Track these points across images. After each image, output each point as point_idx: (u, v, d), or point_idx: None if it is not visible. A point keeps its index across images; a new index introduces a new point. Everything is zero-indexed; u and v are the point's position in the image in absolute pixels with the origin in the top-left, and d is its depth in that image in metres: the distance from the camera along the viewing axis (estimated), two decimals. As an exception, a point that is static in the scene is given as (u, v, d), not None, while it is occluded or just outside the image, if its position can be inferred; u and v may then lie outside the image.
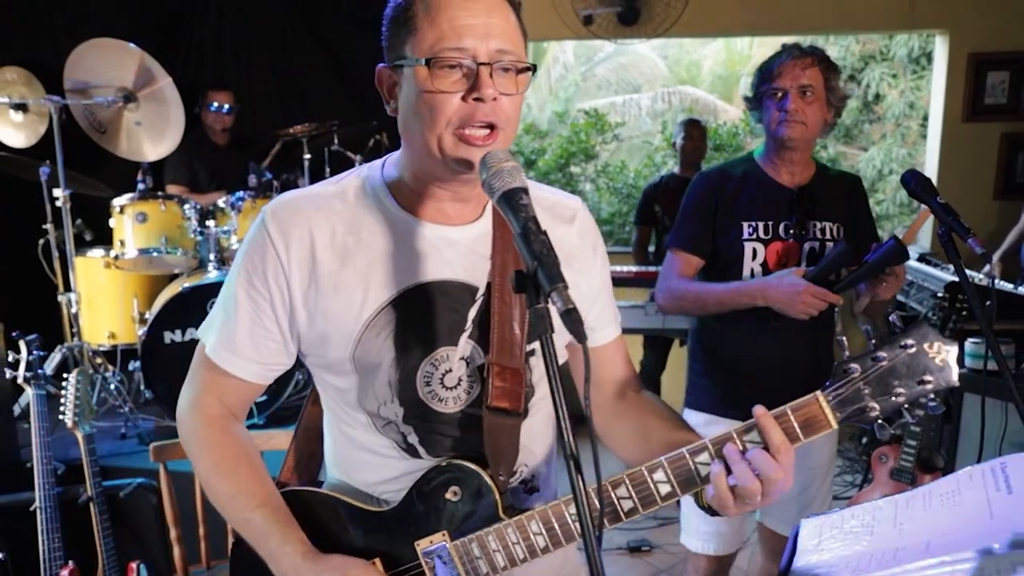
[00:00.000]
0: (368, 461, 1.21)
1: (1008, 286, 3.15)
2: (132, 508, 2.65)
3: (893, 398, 1.02)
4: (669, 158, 6.86)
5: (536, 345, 1.17)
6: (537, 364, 1.20)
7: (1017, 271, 3.71)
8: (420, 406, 1.16)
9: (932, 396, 1.02)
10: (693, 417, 2.18)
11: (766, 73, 2.04)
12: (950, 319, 2.50)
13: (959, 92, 4.41)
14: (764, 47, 8.82)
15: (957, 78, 4.40)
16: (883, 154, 8.00)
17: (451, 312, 1.15)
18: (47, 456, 2.30)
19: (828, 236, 2.11)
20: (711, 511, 1.11)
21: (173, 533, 2.08)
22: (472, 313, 1.15)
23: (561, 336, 1.10)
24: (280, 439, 2.00)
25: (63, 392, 2.35)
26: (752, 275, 2.06)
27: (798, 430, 1.04)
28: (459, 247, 1.15)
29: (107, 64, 3.44)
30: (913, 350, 1.02)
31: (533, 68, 1.10)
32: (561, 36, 4.76)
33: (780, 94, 2.01)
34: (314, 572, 1.10)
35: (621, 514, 1.09)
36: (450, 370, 1.16)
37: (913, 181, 1.97)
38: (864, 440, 4.22)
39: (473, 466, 1.14)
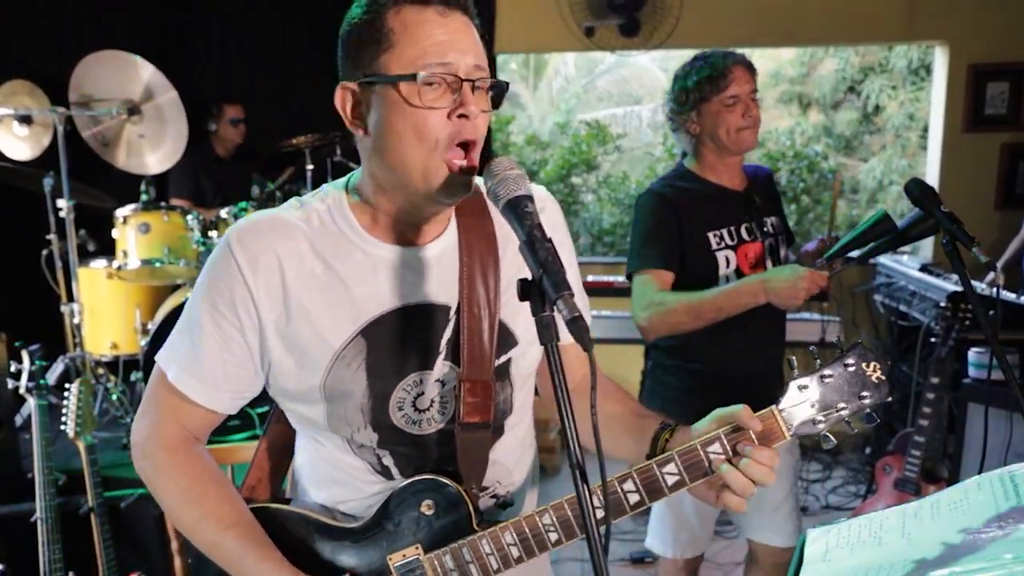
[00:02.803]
0: (341, 480, 1.19)
1: (1011, 296, 3.15)
2: (133, 519, 2.64)
3: (836, 412, 1.11)
4: (670, 169, 6.87)
5: (509, 357, 1.18)
6: (516, 382, 1.20)
7: (1019, 281, 3.71)
8: (394, 431, 1.15)
9: (869, 411, 1.12)
10: None
11: (714, 83, 2.02)
12: (953, 329, 2.50)
13: (959, 103, 4.42)
14: (764, 58, 8.85)
15: (957, 89, 4.41)
16: (883, 165, 8.01)
17: (424, 335, 1.13)
18: (48, 466, 2.29)
19: (777, 230, 2.17)
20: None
21: (174, 544, 2.07)
22: (447, 334, 1.14)
23: (533, 340, 1.15)
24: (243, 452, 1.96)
25: (65, 402, 2.34)
26: (727, 282, 2.06)
27: (755, 442, 1.10)
28: (427, 267, 1.14)
29: (113, 76, 3.46)
30: (853, 368, 1.12)
31: (506, 85, 1.11)
32: (563, 48, 4.79)
33: (735, 101, 2.01)
34: None
35: (627, 507, 1.12)
36: (422, 393, 1.15)
37: (916, 190, 1.97)
38: (868, 451, 4.21)
39: (446, 480, 1.15)
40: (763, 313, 2.07)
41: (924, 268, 3.80)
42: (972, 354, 2.84)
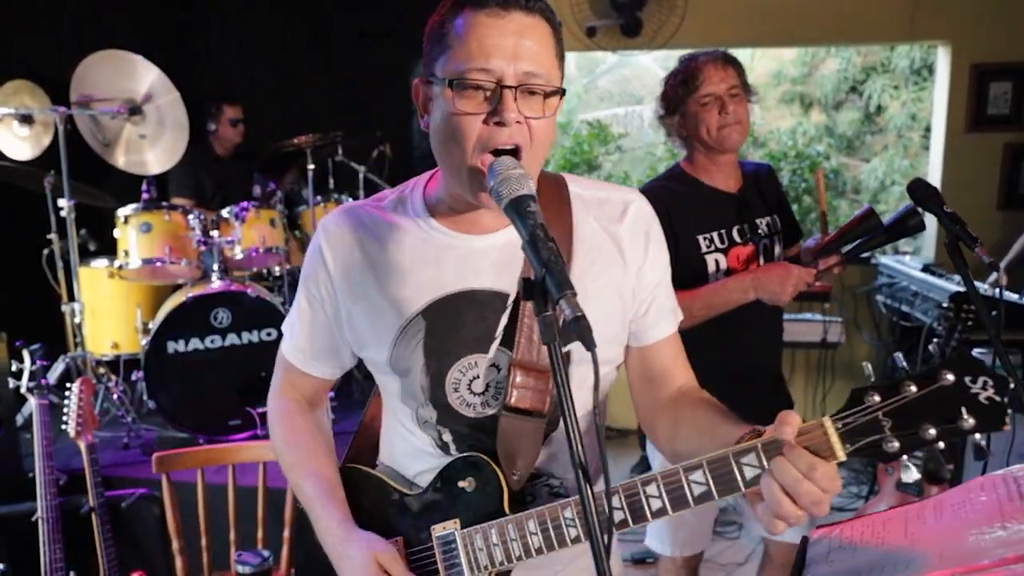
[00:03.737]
0: (411, 452, 1.28)
1: (1014, 296, 3.14)
2: (134, 519, 2.64)
3: (921, 435, 0.88)
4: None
5: (569, 349, 1.16)
6: (575, 373, 1.17)
7: (1022, 282, 3.70)
8: (450, 410, 1.22)
9: (977, 441, 0.92)
10: None
11: (687, 84, 2.02)
12: (955, 330, 2.50)
13: (961, 103, 4.41)
14: (766, 58, 8.84)
15: (959, 89, 4.40)
16: (885, 165, 7.99)
17: (481, 320, 1.18)
18: (49, 466, 2.29)
19: (772, 230, 2.16)
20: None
21: (175, 544, 2.07)
22: (504, 319, 1.19)
23: (610, 341, 1.22)
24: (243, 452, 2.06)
25: (66, 402, 2.34)
26: None
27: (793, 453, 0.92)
28: (489, 255, 1.18)
29: (114, 76, 3.45)
30: (950, 382, 0.88)
31: (562, 92, 1.10)
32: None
33: (710, 100, 2.01)
34: (345, 540, 1.20)
35: (649, 514, 1.04)
36: (477, 376, 1.20)
37: (920, 190, 1.97)
38: (869, 451, 4.20)
39: (487, 459, 1.19)
40: (761, 314, 2.07)
41: (926, 268, 3.80)
42: (975, 355, 2.83)
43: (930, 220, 1.95)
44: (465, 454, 1.21)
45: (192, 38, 4.47)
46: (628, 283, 1.23)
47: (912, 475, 0.98)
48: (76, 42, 3.99)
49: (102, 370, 3.53)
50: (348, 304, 1.22)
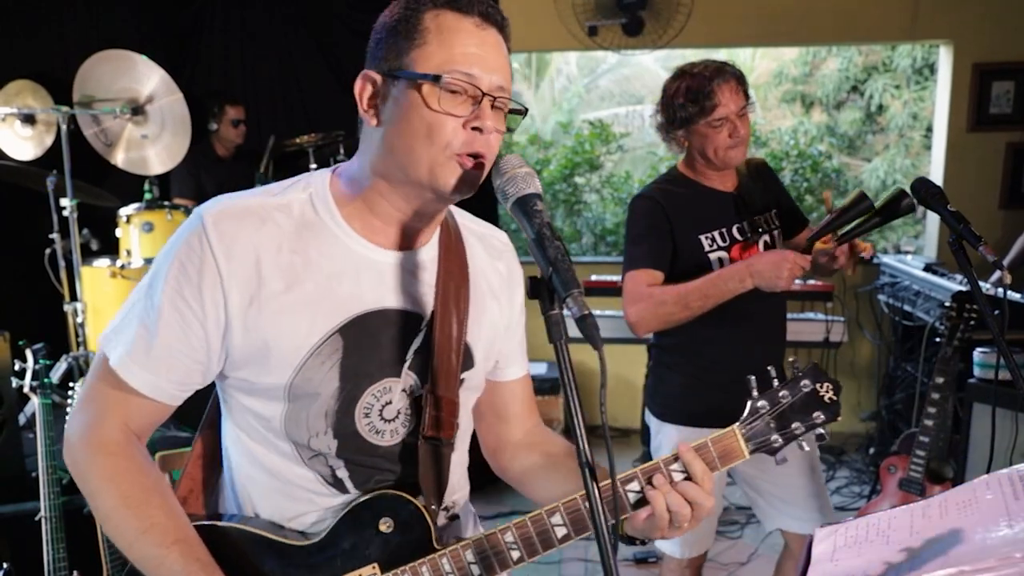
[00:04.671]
0: (286, 493, 1.13)
1: (1017, 295, 3.14)
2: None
3: (792, 431, 1.18)
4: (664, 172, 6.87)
5: (463, 377, 1.17)
6: (464, 400, 1.19)
7: (1024, 281, 3.69)
8: (356, 439, 1.11)
9: (821, 431, 1.19)
10: (676, 433, 2.18)
11: (699, 104, 2.00)
12: (958, 329, 2.50)
13: (964, 102, 4.40)
14: (767, 58, 8.84)
15: (962, 88, 4.39)
16: (886, 165, 7.98)
17: (394, 342, 1.11)
18: (52, 465, 2.29)
19: (772, 225, 2.18)
20: (628, 539, 1.17)
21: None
22: (416, 343, 1.13)
23: (488, 369, 1.24)
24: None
25: (68, 402, 2.34)
26: None
27: (716, 460, 1.14)
28: (406, 274, 1.12)
29: (117, 76, 3.45)
30: (808, 389, 1.18)
31: (525, 111, 1.11)
32: (565, 47, 4.77)
33: (721, 124, 2.01)
34: None
35: (555, 540, 1.12)
36: (390, 402, 1.12)
37: (923, 189, 1.97)
38: (871, 451, 4.20)
39: (408, 496, 1.12)
40: (764, 310, 2.07)
41: (928, 267, 3.79)
42: (977, 354, 2.83)
43: (932, 219, 1.95)
44: (376, 493, 1.11)
45: (193, 38, 4.46)
46: (504, 318, 1.25)
47: (808, 445, 1.21)
48: (79, 42, 3.99)
49: (104, 370, 3.52)
50: (243, 320, 1.04)
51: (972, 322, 2.48)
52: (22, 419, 3.20)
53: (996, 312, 1.88)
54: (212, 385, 1.16)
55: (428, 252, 1.15)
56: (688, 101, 2.01)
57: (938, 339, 2.78)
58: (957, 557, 1.04)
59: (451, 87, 1.01)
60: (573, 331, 0.90)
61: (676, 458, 1.13)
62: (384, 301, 1.10)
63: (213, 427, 1.23)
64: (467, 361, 1.18)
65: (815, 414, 1.18)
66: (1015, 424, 2.55)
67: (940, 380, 2.48)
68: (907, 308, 3.80)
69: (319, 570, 1.10)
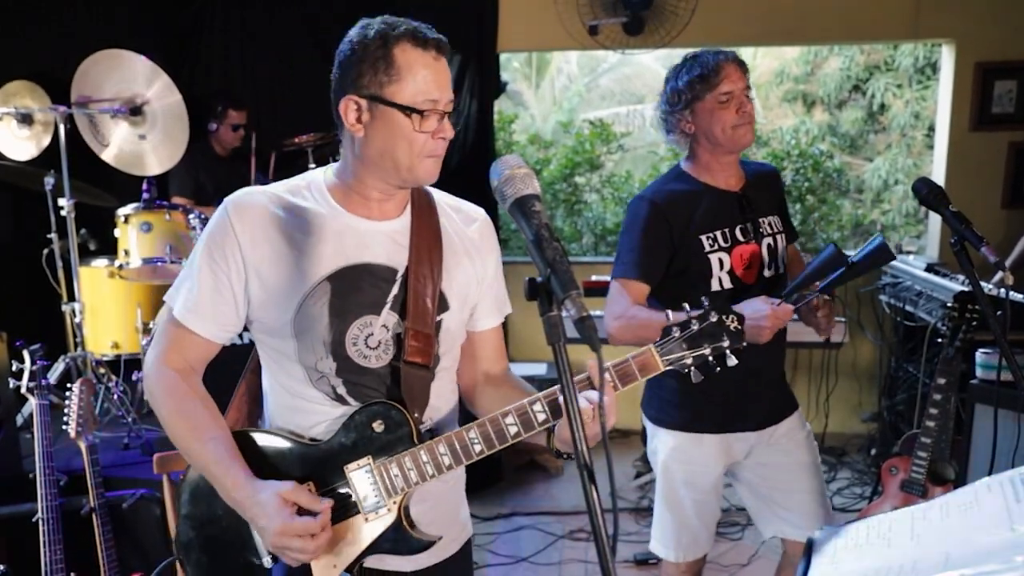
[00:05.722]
0: (304, 408, 1.44)
1: (1019, 296, 3.12)
2: (135, 519, 2.63)
3: (701, 351, 1.40)
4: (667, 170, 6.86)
5: (441, 318, 1.46)
6: (445, 337, 1.47)
7: (1027, 281, 3.68)
8: (349, 362, 1.41)
9: (727, 351, 1.41)
10: (671, 439, 2.17)
11: (705, 80, 2.01)
12: (960, 329, 2.48)
13: (966, 101, 4.39)
14: (768, 57, 8.83)
15: (964, 87, 4.38)
16: (888, 164, 7.98)
17: (375, 288, 1.41)
18: (50, 466, 2.29)
19: (775, 229, 2.15)
20: (559, 454, 1.43)
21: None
22: (394, 290, 1.42)
23: (463, 325, 1.53)
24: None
25: (66, 402, 2.33)
26: (720, 284, 2.05)
27: (636, 371, 1.39)
28: (383, 237, 1.43)
29: (116, 76, 3.44)
30: (715, 319, 1.41)
31: (457, 116, 1.33)
32: (566, 46, 4.76)
33: (728, 98, 2.00)
34: (253, 492, 1.32)
35: (508, 436, 1.37)
36: (371, 334, 1.41)
37: (925, 189, 1.96)
38: (873, 452, 4.19)
39: (394, 404, 1.40)
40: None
41: (930, 268, 3.78)
42: (979, 355, 2.82)
43: (935, 219, 1.94)
44: (374, 401, 1.40)
45: (193, 38, 4.46)
46: (475, 277, 1.52)
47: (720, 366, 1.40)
48: (79, 42, 3.98)
49: (102, 370, 3.51)
50: (257, 272, 1.38)
51: (974, 323, 2.47)
52: (20, 420, 3.19)
53: (998, 313, 1.87)
54: (238, 360, 1.57)
55: (402, 221, 1.46)
56: (695, 78, 2.02)
57: (940, 340, 2.76)
58: (958, 560, 1.03)
59: (425, 113, 1.33)
60: (572, 332, 0.89)
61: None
62: (363, 257, 1.41)
63: (254, 372, 1.57)
64: (442, 305, 1.46)
65: (723, 340, 1.40)
66: (1017, 425, 2.54)
67: (942, 381, 2.47)
68: (909, 308, 3.79)
69: (327, 462, 1.40)
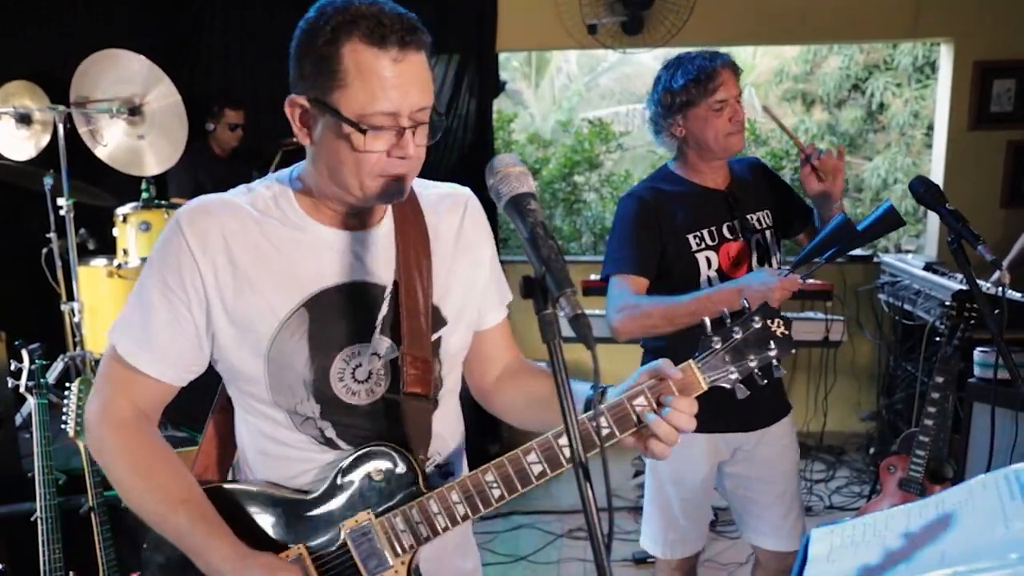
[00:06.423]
0: (286, 455, 1.24)
1: (1017, 295, 3.13)
2: (134, 518, 2.62)
3: (747, 364, 1.20)
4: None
5: (439, 335, 1.27)
6: (445, 357, 1.29)
7: (1025, 280, 3.68)
8: (335, 402, 1.21)
9: (776, 362, 1.22)
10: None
11: (701, 86, 1.98)
12: (958, 328, 2.49)
13: (965, 100, 4.39)
14: (768, 56, 8.82)
15: (963, 86, 4.38)
16: (887, 163, 7.97)
17: (362, 311, 1.21)
18: (48, 466, 2.28)
19: (764, 224, 2.14)
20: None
21: (175, 543, 2.06)
22: (384, 310, 1.22)
23: (470, 327, 1.33)
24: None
25: (65, 402, 2.33)
26: (710, 283, 2.04)
27: (676, 391, 1.17)
28: (365, 249, 1.22)
29: (115, 76, 3.44)
30: (759, 325, 1.21)
31: (443, 123, 1.20)
32: (565, 46, 4.76)
33: (723, 105, 1.99)
34: (243, 567, 1.11)
35: (532, 478, 1.17)
36: (360, 365, 1.21)
37: (922, 188, 1.97)
38: (871, 451, 4.19)
39: (395, 447, 1.22)
40: None
41: (928, 267, 3.78)
42: (977, 353, 2.82)
43: (933, 218, 1.94)
44: (370, 445, 1.21)
45: (193, 38, 4.46)
46: (472, 275, 1.33)
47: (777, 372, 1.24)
48: (78, 42, 3.98)
49: (102, 369, 3.51)
50: (221, 301, 1.16)
51: (972, 321, 2.47)
52: (18, 419, 3.19)
53: (996, 311, 1.88)
54: (217, 378, 1.29)
55: (383, 228, 1.24)
56: (690, 82, 1.98)
57: (938, 338, 2.77)
58: (952, 558, 1.04)
59: (373, 127, 1.08)
60: (569, 331, 0.90)
61: (657, 381, 1.17)
62: (344, 276, 1.20)
63: (223, 411, 1.35)
64: (437, 322, 1.27)
65: (769, 348, 1.21)
66: (1015, 423, 2.55)
67: (940, 379, 2.47)
68: (907, 307, 3.79)
69: (320, 519, 1.20)
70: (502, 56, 5.04)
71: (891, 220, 1.93)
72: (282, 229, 1.19)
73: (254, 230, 1.18)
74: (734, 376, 1.20)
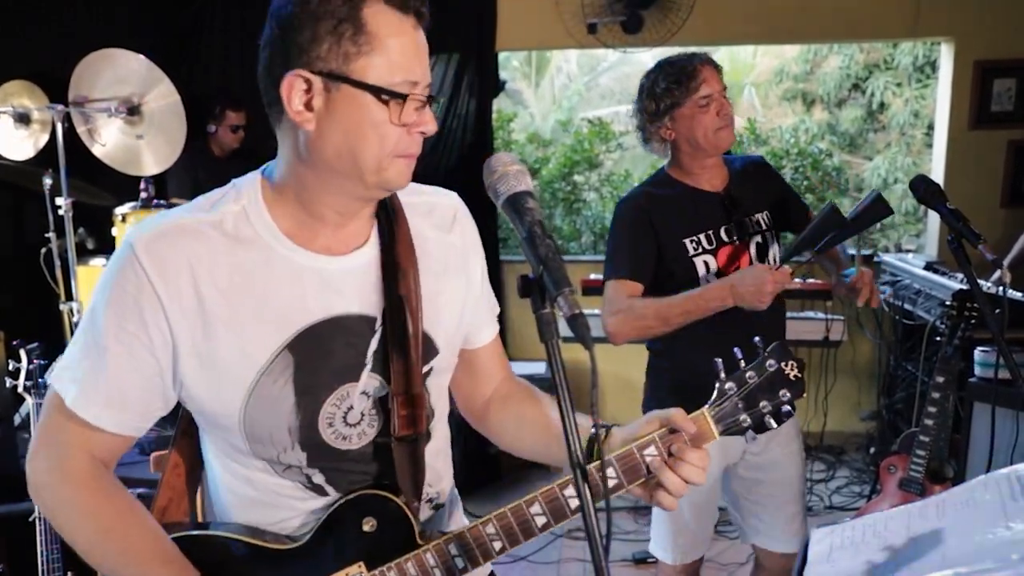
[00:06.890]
0: (269, 502, 1.13)
1: (1017, 294, 3.12)
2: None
3: (759, 410, 1.17)
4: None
5: (431, 366, 1.17)
6: (436, 385, 1.20)
7: (1025, 279, 3.68)
8: (324, 448, 1.10)
9: (788, 407, 1.18)
10: None
11: (683, 85, 1.99)
12: (959, 328, 2.48)
13: (965, 100, 4.38)
14: (768, 56, 8.81)
15: (963, 86, 4.38)
16: (888, 163, 7.96)
17: (350, 348, 1.09)
18: (47, 466, 2.28)
19: (764, 226, 2.13)
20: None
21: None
22: (373, 345, 1.10)
23: (455, 350, 1.23)
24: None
25: (63, 401, 2.32)
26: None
27: (687, 443, 1.13)
28: (351, 277, 1.09)
29: (114, 76, 3.43)
30: (774, 368, 1.18)
31: (444, 114, 1.14)
32: (565, 45, 4.75)
33: (708, 101, 1.99)
34: None
35: (535, 529, 1.13)
36: (351, 407, 1.11)
37: (922, 187, 1.96)
38: (872, 450, 4.18)
39: (388, 495, 1.12)
40: (762, 313, 2.05)
41: (929, 266, 3.78)
42: (978, 353, 2.82)
43: (933, 217, 1.94)
44: (360, 491, 1.12)
45: (193, 38, 4.45)
46: (465, 293, 1.23)
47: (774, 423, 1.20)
48: (78, 42, 3.97)
49: (101, 369, 3.51)
50: (190, 344, 1.02)
51: (973, 321, 2.47)
52: (17, 419, 3.19)
53: (996, 311, 1.87)
54: None
55: (370, 250, 1.12)
56: (672, 84, 2.00)
57: (939, 338, 2.76)
58: (954, 558, 1.03)
59: (406, 98, 0.99)
60: (567, 331, 0.89)
61: (669, 432, 1.14)
62: (332, 309, 1.08)
63: (187, 436, 1.23)
64: (429, 351, 1.16)
65: (781, 392, 1.18)
66: (1015, 423, 2.54)
67: (940, 379, 2.46)
68: (907, 307, 3.79)
69: (305, 572, 1.11)
70: (502, 56, 5.03)
71: (879, 208, 1.93)
72: (256, 255, 1.04)
73: (224, 258, 1.03)
74: (746, 423, 1.17)
